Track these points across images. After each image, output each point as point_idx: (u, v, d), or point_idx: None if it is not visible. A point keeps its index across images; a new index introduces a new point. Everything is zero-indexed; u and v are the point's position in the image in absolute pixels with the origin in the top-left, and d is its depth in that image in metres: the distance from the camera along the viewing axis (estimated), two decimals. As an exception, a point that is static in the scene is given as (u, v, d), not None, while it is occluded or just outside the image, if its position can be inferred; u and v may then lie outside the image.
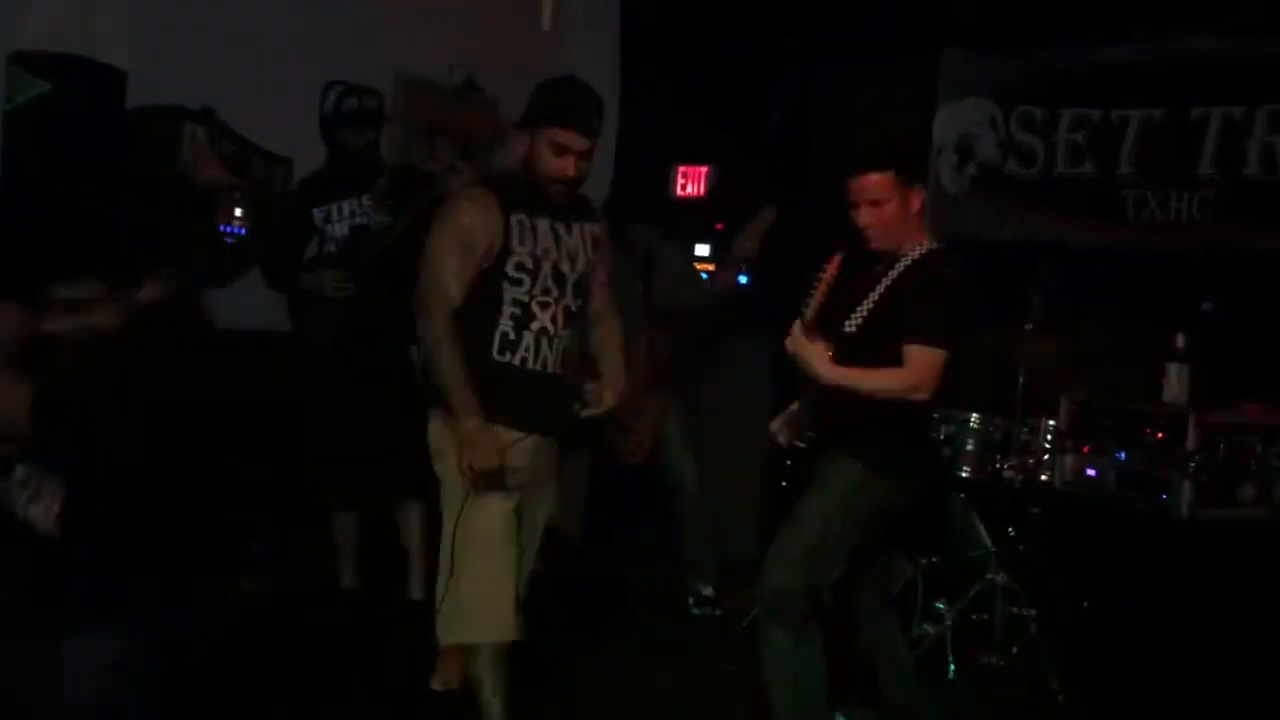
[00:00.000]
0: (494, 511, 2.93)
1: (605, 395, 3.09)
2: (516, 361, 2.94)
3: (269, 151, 4.77)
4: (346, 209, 4.04)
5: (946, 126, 5.21)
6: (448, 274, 2.89)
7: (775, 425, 3.49)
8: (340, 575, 4.28)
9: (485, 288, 2.91)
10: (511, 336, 2.92)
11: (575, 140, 2.89)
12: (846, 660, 3.47)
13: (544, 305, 2.94)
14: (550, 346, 2.96)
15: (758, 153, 5.76)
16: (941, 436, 4.32)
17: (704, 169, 5.83)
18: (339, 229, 4.05)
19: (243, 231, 4.71)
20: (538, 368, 2.96)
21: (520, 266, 2.90)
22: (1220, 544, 3.77)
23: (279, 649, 3.80)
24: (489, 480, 2.87)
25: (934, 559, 4.25)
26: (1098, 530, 4.13)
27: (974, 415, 4.29)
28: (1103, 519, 4.07)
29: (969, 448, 4.30)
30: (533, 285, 2.92)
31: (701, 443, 4.66)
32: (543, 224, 2.94)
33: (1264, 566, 3.71)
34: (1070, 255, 4.85)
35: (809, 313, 2.95)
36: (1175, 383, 3.99)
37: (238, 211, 4.72)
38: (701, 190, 5.91)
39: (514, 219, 2.90)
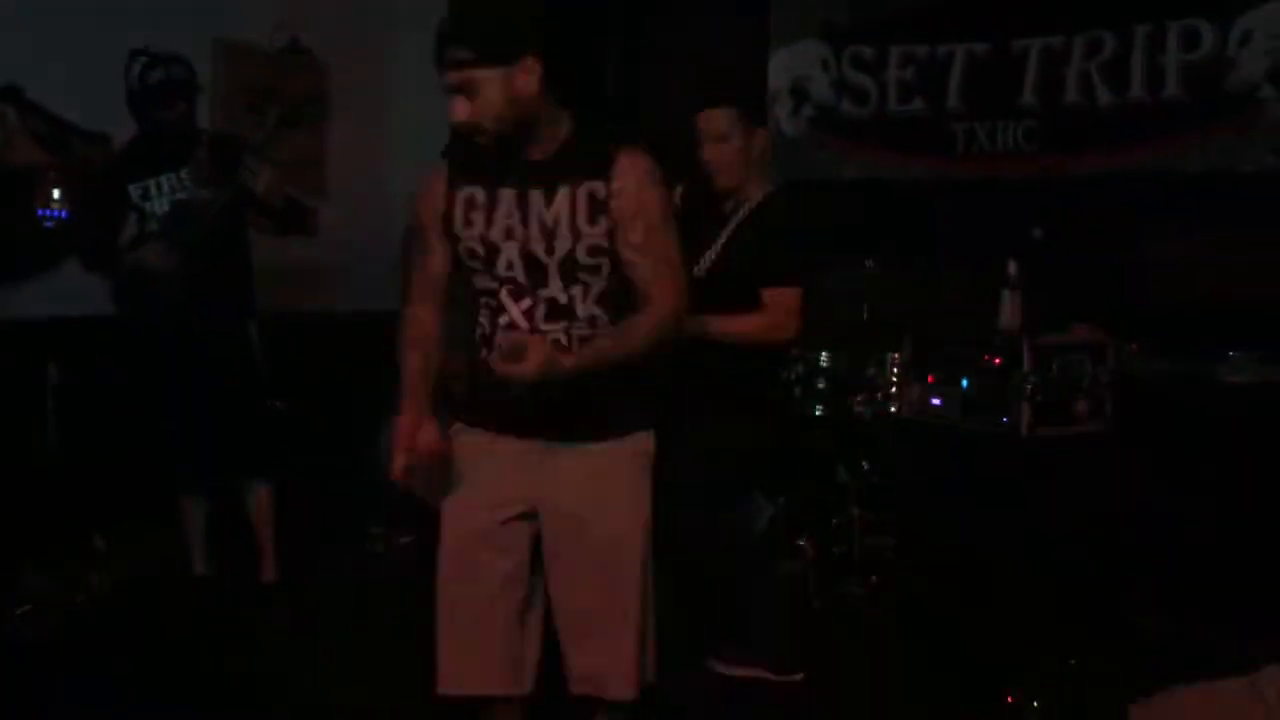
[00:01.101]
0: (462, 529, 2.44)
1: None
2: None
3: (84, 129, 4.55)
4: (165, 184, 3.88)
5: (780, 71, 5.25)
6: (407, 265, 2.58)
7: None
8: (192, 563, 4.15)
9: (466, 276, 2.45)
10: (487, 331, 2.40)
11: (447, 76, 2.24)
12: (709, 604, 3.55)
13: (516, 296, 2.35)
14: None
15: (598, 104, 5.71)
16: (792, 376, 4.38)
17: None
18: (158, 205, 3.88)
19: (63, 214, 4.50)
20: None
21: (471, 253, 2.37)
22: (1057, 458, 3.92)
23: (132, 642, 3.69)
24: (420, 486, 2.44)
25: (792, 497, 4.34)
26: (946, 456, 4.25)
27: (823, 354, 4.36)
28: (950, 445, 4.18)
29: (820, 386, 4.38)
30: (492, 272, 2.36)
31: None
32: (507, 195, 2.33)
33: (1099, 476, 3.88)
34: (906, 190, 4.97)
35: None
36: (1009, 309, 4.12)
37: (55, 193, 4.50)
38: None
39: (461, 194, 2.36)
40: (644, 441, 2.48)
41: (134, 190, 3.89)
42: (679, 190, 3.02)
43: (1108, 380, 4.06)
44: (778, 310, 3.02)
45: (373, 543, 4.86)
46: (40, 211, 4.45)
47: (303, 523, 4.36)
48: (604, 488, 2.41)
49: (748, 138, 3.16)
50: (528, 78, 2.21)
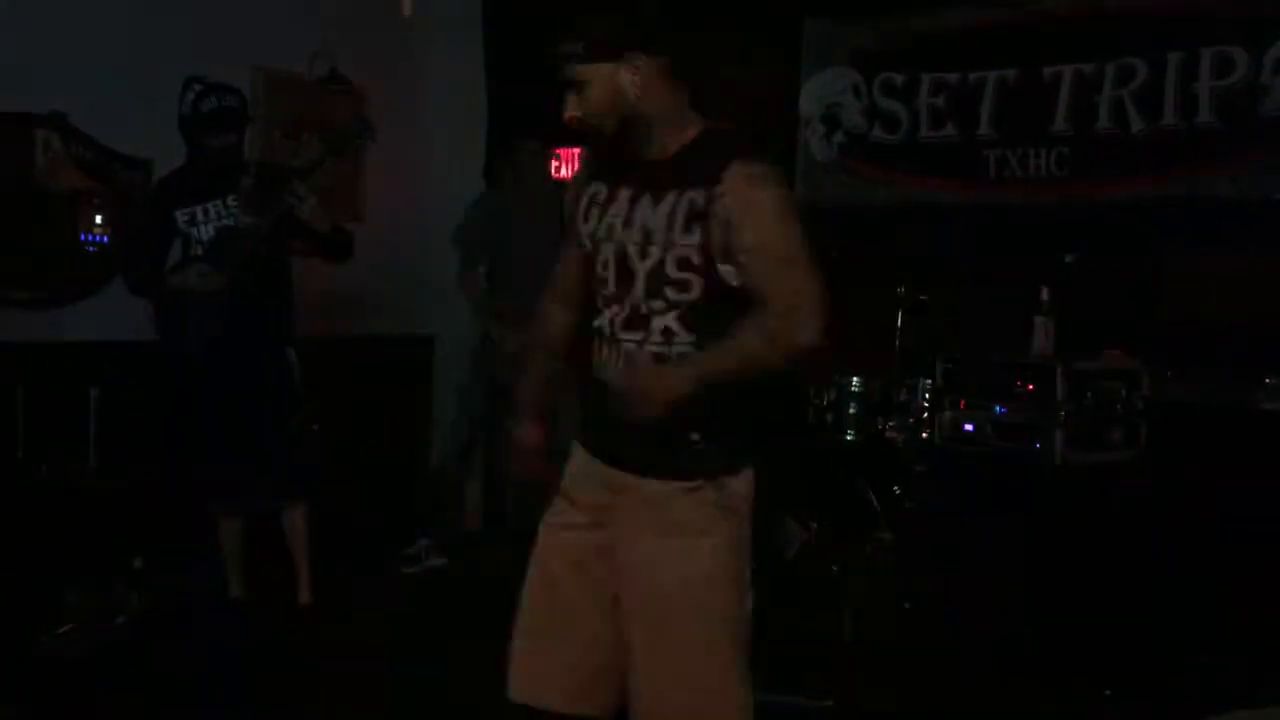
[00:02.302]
0: (547, 542, 2.33)
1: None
2: (596, 369, 2.29)
3: (127, 155, 4.63)
4: (212, 211, 3.93)
5: (812, 98, 5.27)
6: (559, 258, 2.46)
7: None
8: (228, 585, 4.19)
9: None
10: (596, 337, 2.30)
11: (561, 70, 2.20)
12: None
13: (607, 301, 2.25)
14: (614, 354, 2.23)
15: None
16: (824, 402, 4.40)
17: (577, 150, 5.81)
18: (204, 231, 3.93)
19: (104, 239, 4.58)
20: (603, 379, 2.25)
21: (583, 249, 2.30)
22: (1091, 486, 3.91)
23: (169, 663, 3.73)
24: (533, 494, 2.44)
25: (823, 523, 4.34)
26: (978, 482, 4.24)
27: (854, 379, 4.38)
28: (982, 471, 4.17)
29: (852, 411, 4.39)
30: (599, 274, 2.26)
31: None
32: (623, 195, 2.23)
33: (1133, 504, 3.86)
34: (938, 216, 4.97)
35: None
36: (1042, 335, 4.12)
37: (98, 219, 4.59)
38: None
39: (589, 189, 2.29)
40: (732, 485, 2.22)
41: (180, 216, 3.95)
42: None
43: (1142, 407, 4.04)
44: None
45: (408, 563, 4.90)
46: (83, 236, 4.55)
47: (339, 546, 4.40)
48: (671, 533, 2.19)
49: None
50: (635, 76, 2.14)
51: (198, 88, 3.93)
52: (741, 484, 2.23)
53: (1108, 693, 3.36)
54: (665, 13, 2.24)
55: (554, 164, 5.68)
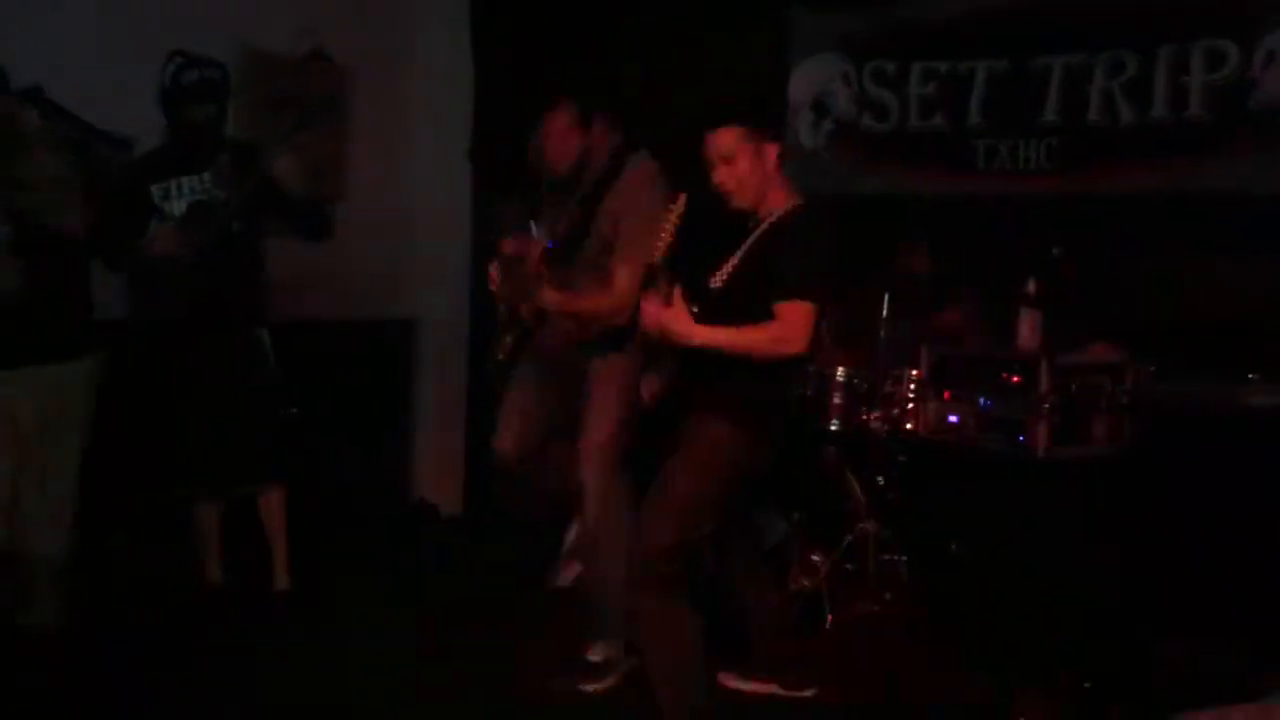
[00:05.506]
0: None
1: None
2: None
3: (108, 132, 4.56)
4: (186, 186, 3.89)
5: (801, 84, 5.23)
6: None
7: (642, 385, 3.53)
8: (205, 570, 4.15)
9: None
10: None
11: None
12: (723, 618, 3.53)
13: None
14: None
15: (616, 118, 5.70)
16: (809, 391, 4.37)
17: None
18: (177, 206, 3.89)
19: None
20: None
21: None
22: (1074, 480, 3.90)
23: (144, 646, 3.69)
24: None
25: (806, 513, 4.33)
26: (961, 474, 4.23)
27: (839, 369, 4.35)
28: (966, 463, 4.16)
29: (836, 401, 4.36)
30: None
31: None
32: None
33: (1116, 498, 3.85)
34: (926, 205, 4.95)
35: (656, 255, 2.93)
36: (1028, 327, 4.10)
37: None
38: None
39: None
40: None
41: (155, 191, 3.90)
42: (680, 200, 3.00)
43: (1126, 401, 4.03)
44: (785, 324, 3.00)
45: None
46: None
47: (316, 531, 4.36)
48: None
49: (758, 155, 3.13)
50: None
51: (180, 60, 3.88)
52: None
53: (1086, 685, 3.35)
54: None
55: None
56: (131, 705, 3.33)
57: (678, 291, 3.01)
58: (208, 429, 3.92)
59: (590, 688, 3.57)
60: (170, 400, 3.96)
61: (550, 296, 3.53)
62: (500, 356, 3.71)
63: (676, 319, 2.99)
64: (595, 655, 3.64)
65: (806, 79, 5.24)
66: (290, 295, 4.41)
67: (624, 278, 3.44)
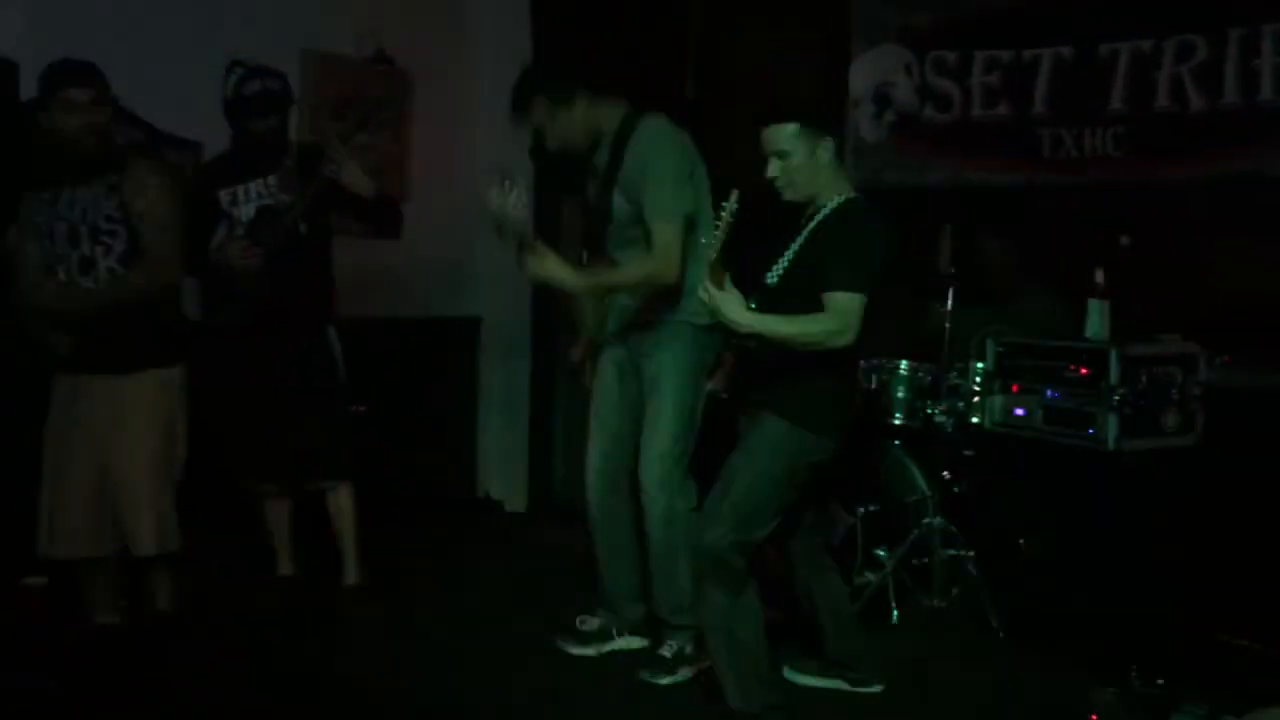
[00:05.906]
0: None
1: None
2: None
3: (178, 136, 4.66)
4: (253, 190, 3.95)
5: (862, 76, 5.19)
6: None
7: (714, 379, 3.56)
8: (277, 564, 4.23)
9: None
10: None
11: None
12: (789, 614, 3.53)
13: None
14: None
15: (679, 108, 5.70)
16: (873, 385, 4.34)
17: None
18: (245, 211, 3.96)
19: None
20: None
21: None
22: (1146, 473, 3.83)
23: (216, 640, 3.77)
24: None
25: (872, 507, 4.30)
26: (1029, 467, 4.18)
27: (903, 362, 4.32)
28: (1033, 456, 4.11)
29: (900, 395, 4.34)
30: None
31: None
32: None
33: (1189, 492, 3.79)
34: (991, 196, 4.89)
35: (712, 250, 2.93)
36: (1096, 318, 4.03)
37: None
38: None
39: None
40: None
41: (223, 196, 3.97)
42: (733, 196, 2.97)
43: (1198, 392, 3.95)
44: (835, 315, 2.98)
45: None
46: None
47: (382, 526, 4.42)
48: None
49: (812, 149, 3.12)
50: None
51: (241, 71, 3.93)
52: None
53: (1159, 682, 3.30)
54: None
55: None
56: (201, 691, 3.40)
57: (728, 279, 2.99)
58: (277, 427, 3.99)
59: (575, 650, 3.80)
60: (240, 398, 4.03)
61: (586, 278, 3.59)
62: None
63: (729, 303, 2.97)
64: (586, 625, 3.85)
65: (867, 71, 5.20)
66: (356, 293, 4.48)
67: (662, 234, 3.46)
